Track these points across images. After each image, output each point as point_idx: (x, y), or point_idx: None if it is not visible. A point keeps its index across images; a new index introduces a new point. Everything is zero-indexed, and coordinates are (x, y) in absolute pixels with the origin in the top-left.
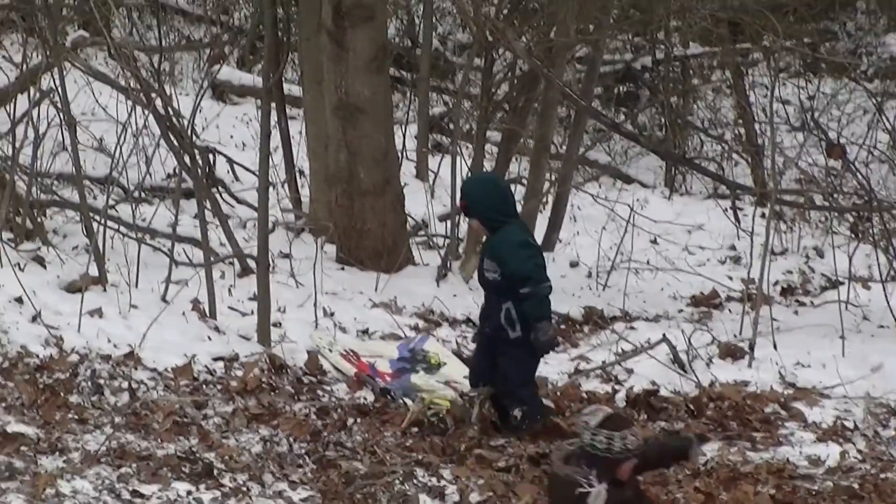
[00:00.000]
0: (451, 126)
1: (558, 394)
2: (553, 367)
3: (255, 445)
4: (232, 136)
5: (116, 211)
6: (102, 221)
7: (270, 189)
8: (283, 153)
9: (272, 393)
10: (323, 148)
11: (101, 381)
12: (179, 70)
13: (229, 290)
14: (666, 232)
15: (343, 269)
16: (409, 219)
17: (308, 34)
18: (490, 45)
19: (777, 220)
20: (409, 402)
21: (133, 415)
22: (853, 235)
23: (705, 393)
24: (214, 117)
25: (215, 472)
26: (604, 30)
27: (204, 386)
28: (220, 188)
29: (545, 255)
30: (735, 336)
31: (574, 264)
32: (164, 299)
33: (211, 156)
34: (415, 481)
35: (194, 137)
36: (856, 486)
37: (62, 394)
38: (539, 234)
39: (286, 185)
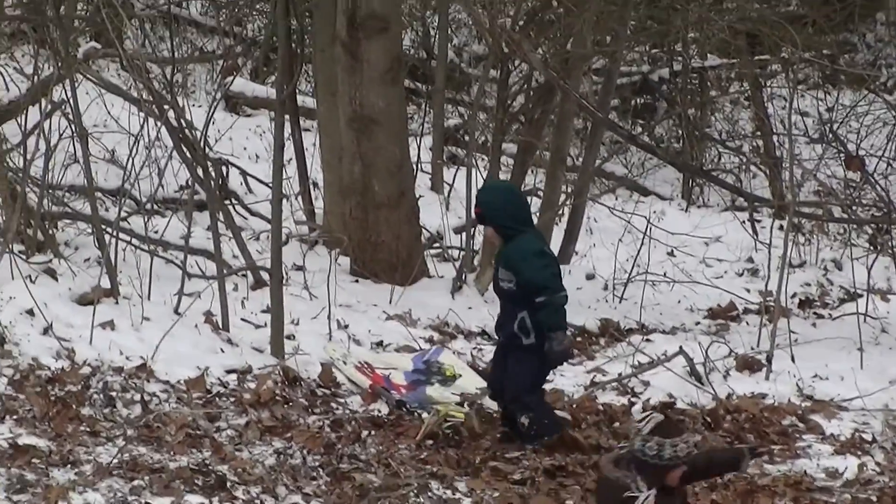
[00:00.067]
0: (467, 138)
1: (574, 406)
2: (569, 380)
3: (269, 458)
4: (245, 148)
5: (129, 223)
6: (114, 233)
7: (284, 201)
8: (296, 165)
9: (286, 405)
10: (337, 160)
11: (114, 394)
12: (192, 82)
13: (242, 303)
14: (683, 244)
15: (357, 281)
16: (423, 231)
17: (322, 45)
18: (506, 57)
19: (795, 233)
20: (424, 414)
21: (145, 427)
22: (872, 247)
23: (722, 405)
24: (227, 129)
25: (228, 484)
26: (621, 41)
27: (217, 398)
28: (233, 200)
29: (561, 267)
30: (752, 348)
31: (590, 277)
32: (176, 311)
33: (224, 168)
34: (429, 494)
35: (207, 149)
36: (874, 498)
37: (74, 406)
38: (555, 247)
39: (300, 198)
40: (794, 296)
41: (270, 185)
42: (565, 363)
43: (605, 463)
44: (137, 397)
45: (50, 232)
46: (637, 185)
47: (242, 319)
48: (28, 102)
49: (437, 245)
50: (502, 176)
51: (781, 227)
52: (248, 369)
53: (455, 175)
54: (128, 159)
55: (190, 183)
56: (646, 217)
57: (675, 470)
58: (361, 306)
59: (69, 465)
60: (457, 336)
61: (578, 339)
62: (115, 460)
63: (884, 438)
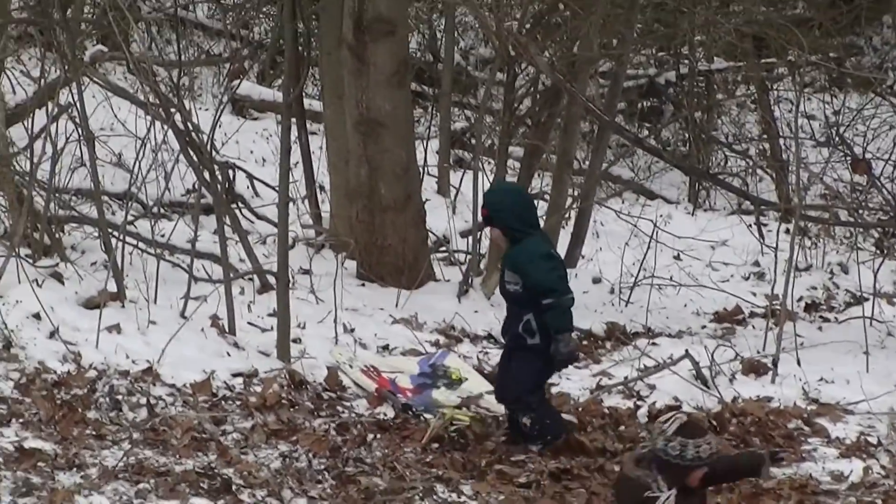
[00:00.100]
0: (473, 141)
1: (580, 409)
2: (575, 383)
3: (275, 461)
4: (252, 152)
5: (135, 227)
6: (121, 237)
7: (290, 204)
8: (303, 168)
9: (291, 409)
10: (343, 163)
11: (119, 397)
12: (199, 85)
13: (249, 306)
14: (689, 248)
15: (363, 284)
16: (430, 234)
17: (329, 48)
18: (512, 60)
19: (801, 236)
20: (429, 417)
21: (151, 430)
22: (878, 251)
23: (728, 409)
24: (234, 132)
25: (234, 487)
26: (627, 44)
27: (223, 402)
28: (239, 204)
29: (568, 271)
30: (758, 352)
31: (597, 280)
32: (182, 315)
33: (230, 171)
34: (435, 497)
35: (214, 153)
36: (879, 501)
37: (80, 410)
38: (561, 250)
39: (306, 201)
40: (800, 299)
41: (277, 188)
42: (571, 365)
43: (627, 461)
44: (143, 401)
45: (56, 236)
46: (643, 188)
47: (249, 323)
48: (35, 106)
49: (443, 249)
50: (509, 179)
51: (788, 231)
52: (254, 373)
53: (462, 178)
54: (134, 163)
55: (196, 186)
56: (652, 221)
57: (697, 471)
58: (368, 310)
59: (75, 469)
60: (463, 340)
61: (584, 342)
62: (121, 464)
63: (889, 442)
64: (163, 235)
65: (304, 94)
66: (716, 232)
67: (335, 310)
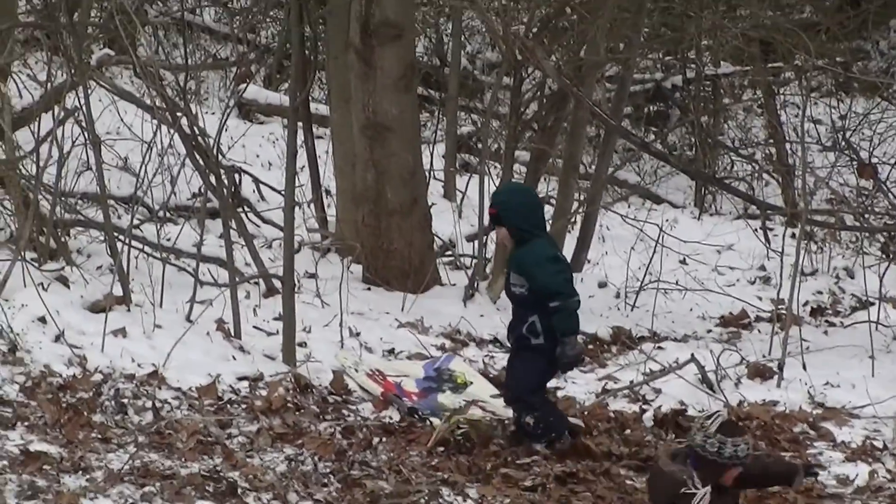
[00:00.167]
0: (480, 145)
1: (586, 413)
2: (581, 387)
3: (280, 465)
4: (258, 156)
5: (141, 231)
6: (127, 241)
7: (296, 209)
8: (309, 172)
9: (297, 412)
10: (350, 167)
11: (125, 401)
12: (205, 89)
13: (254, 310)
14: (695, 252)
15: (369, 289)
16: (436, 239)
17: (335, 52)
18: (519, 64)
19: (807, 241)
20: (435, 420)
21: (157, 434)
22: (884, 256)
23: (734, 413)
24: (241, 136)
25: (239, 491)
26: (634, 48)
27: (228, 405)
28: (245, 208)
29: (574, 275)
30: (764, 356)
31: (602, 284)
32: (188, 319)
33: (237, 175)
34: (440, 500)
35: (220, 157)
36: None
37: (85, 413)
38: (567, 254)
39: (312, 205)
40: (805, 304)
41: (283, 192)
42: (576, 368)
43: (662, 455)
44: (149, 404)
45: (62, 239)
46: (650, 192)
47: (254, 327)
48: (41, 109)
49: (449, 253)
50: None
51: (794, 235)
52: (259, 376)
53: (468, 182)
54: (140, 166)
55: (202, 190)
56: (658, 225)
57: (733, 469)
58: (373, 314)
59: (80, 472)
60: (468, 344)
61: (590, 346)
62: (127, 467)
63: (895, 445)
64: (168, 239)
65: (310, 98)
66: (722, 236)
67: (341, 314)
